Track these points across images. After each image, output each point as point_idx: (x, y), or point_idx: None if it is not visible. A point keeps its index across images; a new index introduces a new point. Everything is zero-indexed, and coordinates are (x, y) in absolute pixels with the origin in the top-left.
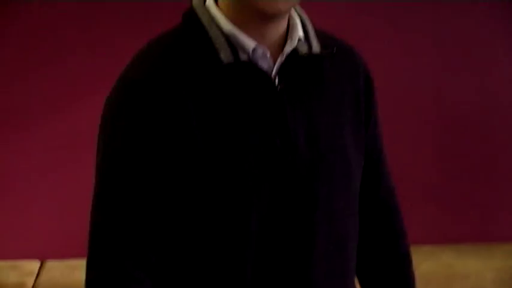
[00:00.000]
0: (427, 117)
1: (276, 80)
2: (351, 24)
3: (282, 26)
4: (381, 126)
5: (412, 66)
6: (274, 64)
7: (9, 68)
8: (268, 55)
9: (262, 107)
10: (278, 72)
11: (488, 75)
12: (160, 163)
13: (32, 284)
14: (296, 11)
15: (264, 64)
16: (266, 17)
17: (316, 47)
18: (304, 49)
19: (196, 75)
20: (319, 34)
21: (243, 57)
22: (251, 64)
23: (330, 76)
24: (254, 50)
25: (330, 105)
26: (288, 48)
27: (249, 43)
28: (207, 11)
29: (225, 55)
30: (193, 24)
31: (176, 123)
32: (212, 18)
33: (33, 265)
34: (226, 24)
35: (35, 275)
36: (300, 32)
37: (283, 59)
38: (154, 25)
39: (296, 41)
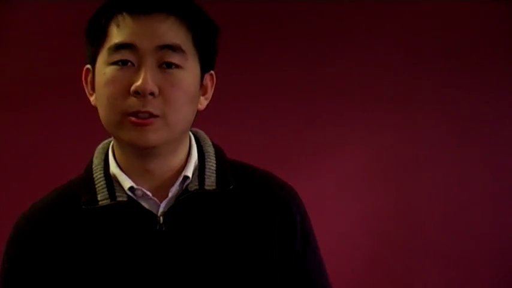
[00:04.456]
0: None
1: (161, 219)
2: None
3: (169, 163)
4: (318, 262)
5: None
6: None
7: None
8: (150, 194)
9: (138, 246)
10: (167, 211)
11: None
12: None
13: None
14: (204, 145)
15: (146, 204)
16: (140, 150)
17: (210, 183)
18: (194, 186)
19: (73, 216)
20: (227, 168)
21: (121, 197)
22: (126, 204)
23: (226, 213)
24: (132, 189)
25: (221, 243)
26: (173, 188)
27: (126, 183)
28: (103, 154)
29: (101, 196)
30: (87, 167)
31: (45, 263)
32: (104, 161)
33: None
34: (112, 166)
35: None
36: (188, 171)
37: (171, 197)
38: None
39: (180, 179)
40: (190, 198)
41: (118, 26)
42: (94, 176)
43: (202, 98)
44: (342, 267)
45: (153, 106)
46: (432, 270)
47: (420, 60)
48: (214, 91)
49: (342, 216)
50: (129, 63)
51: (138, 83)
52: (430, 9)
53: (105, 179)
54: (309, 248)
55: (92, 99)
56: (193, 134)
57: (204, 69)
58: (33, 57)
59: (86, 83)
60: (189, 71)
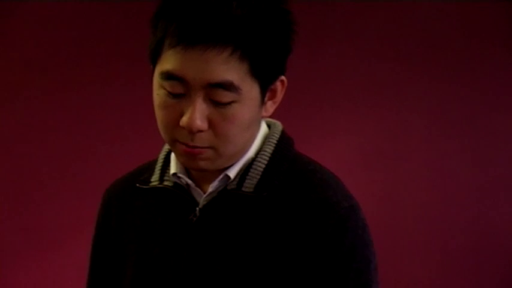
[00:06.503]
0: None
1: (197, 211)
2: None
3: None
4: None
5: None
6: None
7: None
8: (194, 185)
9: (168, 232)
10: (205, 205)
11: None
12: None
13: None
14: (267, 142)
15: (194, 192)
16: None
17: (249, 185)
18: (232, 186)
19: (132, 193)
20: (278, 171)
21: (168, 182)
22: (169, 190)
23: (255, 218)
24: (175, 176)
25: (238, 247)
26: (214, 183)
27: (173, 168)
28: None
29: (154, 178)
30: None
31: (108, 228)
32: None
33: None
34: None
35: None
36: (231, 171)
37: (211, 191)
38: None
39: (221, 177)
40: (227, 197)
41: (170, 48)
42: (159, 156)
43: (269, 102)
44: None
45: (202, 141)
46: (414, 263)
47: (404, 54)
48: None
49: None
50: (180, 94)
51: (186, 119)
52: (412, 3)
53: (164, 162)
54: (344, 277)
55: None
56: (267, 125)
57: (266, 87)
58: (33, 56)
59: None
60: (244, 102)
